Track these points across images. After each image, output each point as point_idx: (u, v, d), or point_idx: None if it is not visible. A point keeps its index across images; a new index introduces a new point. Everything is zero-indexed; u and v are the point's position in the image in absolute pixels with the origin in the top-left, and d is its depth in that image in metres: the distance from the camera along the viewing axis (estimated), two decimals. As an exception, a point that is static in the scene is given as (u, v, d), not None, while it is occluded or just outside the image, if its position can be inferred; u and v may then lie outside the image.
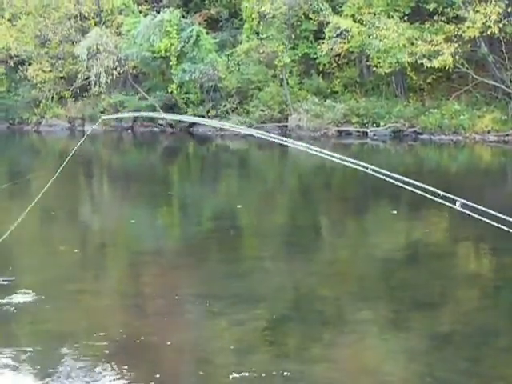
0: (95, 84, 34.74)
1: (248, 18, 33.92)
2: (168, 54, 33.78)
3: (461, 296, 9.86)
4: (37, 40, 37.14)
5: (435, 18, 29.96)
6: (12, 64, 37.56)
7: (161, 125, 35.17)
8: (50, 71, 36.69)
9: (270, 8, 31.72)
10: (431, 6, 29.50)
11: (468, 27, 28.20)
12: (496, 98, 30.17)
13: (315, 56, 32.40)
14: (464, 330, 8.48)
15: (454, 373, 7.22)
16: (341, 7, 31.38)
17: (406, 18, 30.25)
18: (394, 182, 3.32)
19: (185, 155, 30.53)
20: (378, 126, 30.47)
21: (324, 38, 30.74)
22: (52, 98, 37.02)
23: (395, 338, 8.23)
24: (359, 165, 3.54)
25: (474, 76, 30.15)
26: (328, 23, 30.64)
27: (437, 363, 7.46)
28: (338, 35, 30.26)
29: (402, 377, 7.27)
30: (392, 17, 29.87)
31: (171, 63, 33.84)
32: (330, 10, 31.20)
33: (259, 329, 8.59)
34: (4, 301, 9.26)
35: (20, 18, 37.65)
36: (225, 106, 33.28)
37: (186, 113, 33.90)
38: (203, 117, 33.91)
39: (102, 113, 36.69)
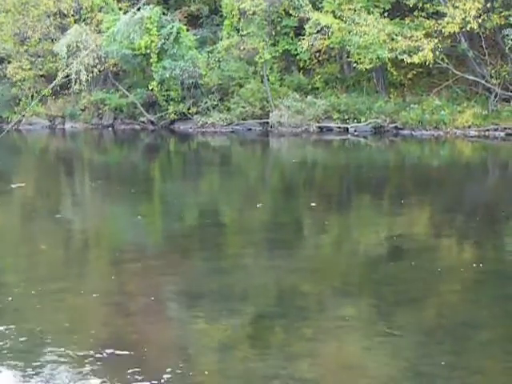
0: (75, 82, 34.55)
1: (228, 15, 33.89)
2: (148, 51, 33.68)
3: (443, 290, 9.88)
4: (16, 38, 36.88)
5: (415, 13, 30.02)
6: (-9, 62, 37.35)
7: (142, 122, 35.09)
8: (30, 69, 36.47)
9: (251, 5, 31.68)
10: (411, 2, 29.55)
11: (448, 23, 28.27)
12: (476, 93, 30.30)
13: (296, 52, 32.38)
14: (447, 323, 8.50)
15: (436, 367, 7.23)
16: (321, 3, 31.34)
17: (386, 13, 30.27)
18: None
19: (166, 152, 30.44)
20: (359, 121, 30.52)
21: (304, 35, 30.71)
22: (32, 96, 36.79)
23: (378, 333, 8.24)
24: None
25: (455, 71, 30.26)
26: (308, 19, 30.61)
27: (420, 357, 7.47)
28: (318, 31, 30.24)
29: (385, 372, 7.28)
30: (372, 13, 29.89)
31: (151, 60, 33.75)
32: (310, 6, 31.17)
33: (242, 326, 8.58)
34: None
35: (-2, 15, 37.41)
36: (206, 102, 33.22)
37: (167, 110, 33.91)
38: (184, 114, 33.94)
39: (82, 111, 36.62)
